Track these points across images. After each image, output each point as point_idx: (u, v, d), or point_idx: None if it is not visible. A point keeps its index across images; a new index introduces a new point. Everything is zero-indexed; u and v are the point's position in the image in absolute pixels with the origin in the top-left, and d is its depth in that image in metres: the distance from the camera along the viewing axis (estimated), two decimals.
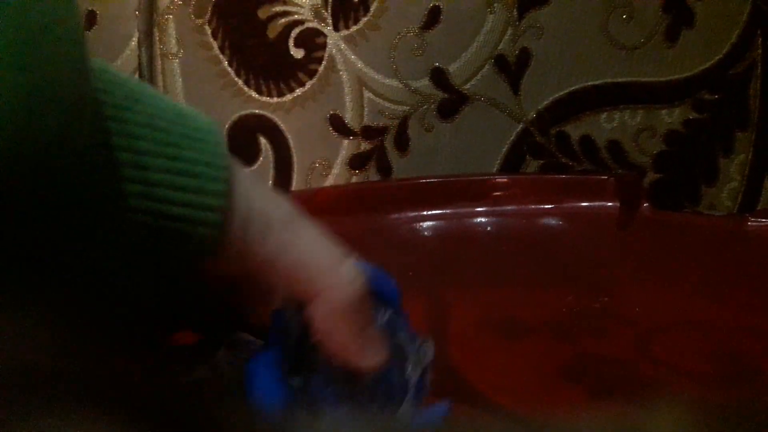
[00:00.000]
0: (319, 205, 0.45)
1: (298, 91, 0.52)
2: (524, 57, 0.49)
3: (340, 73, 0.51)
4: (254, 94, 0.52)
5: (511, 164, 0.51)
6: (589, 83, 0.50)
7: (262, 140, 0.53)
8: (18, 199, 0.16)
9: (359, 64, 0.51)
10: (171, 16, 0.52)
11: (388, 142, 0.52)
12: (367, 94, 0.51)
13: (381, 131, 0.52)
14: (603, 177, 0.44)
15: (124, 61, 0.54)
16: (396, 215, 0.45)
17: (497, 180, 0.46)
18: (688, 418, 0.10)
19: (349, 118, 0.52)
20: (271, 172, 0.54)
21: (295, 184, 0.54)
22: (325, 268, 0.22)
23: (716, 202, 0.52)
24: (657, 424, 0.10)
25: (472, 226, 0.45)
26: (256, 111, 0.53)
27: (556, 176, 0.46)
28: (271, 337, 0.23)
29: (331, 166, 0.53)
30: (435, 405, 0.25)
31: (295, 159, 0.53)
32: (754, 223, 0.39)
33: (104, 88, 0.19)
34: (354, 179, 0.53)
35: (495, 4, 0.48)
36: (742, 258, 0.38)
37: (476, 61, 0.50)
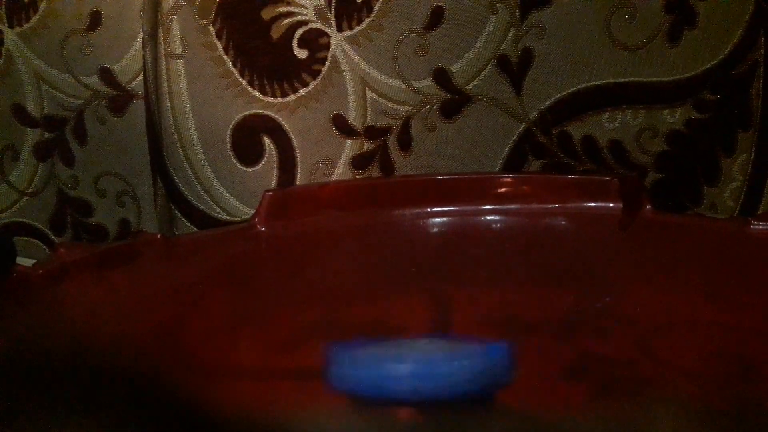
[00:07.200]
0: (325, 200, 0.45)
1: (302, 91, 0.52)
2: (526, 57, 0.49)
3: (344, 73, 0.51)
4: (258, 95, 0.53)
5: (513, 164, 0.51)
6: (591, 83, 0.50)
7: (266, 140, 0.54)
8: None
9: (362, 65, 0.51)
10: (175, 17, 0.52)
11: (391, 142, 0.52)
12: (370, 95, 0.51)
13: (384, 131, 0.52)
14: (607, 178, 0.44)
15: (129, 62, 0.54)
16: (400, 211, 0.45)
17: (503, 178, 0.46)
18: (688, 418, 0.10)
19: (352, 118, 0.52)
20: (275, 172, 0.54)
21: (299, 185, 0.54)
22: None
23: (718, 202, 0.52)
24: (657, 423, 0.10)
25: (476, 224, 0.45)
26: (260, 111, 0.53)
27: (562, 176, 0.46)
28: None
29: (335, 166, 0.53)
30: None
31: (298, 159, 0.53)
32: (756, 227, 0.39)
33: None
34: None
35: (497, 5, 0.49)
36: (744, 260, 0.38)
37: (479, 61, 0.50)
